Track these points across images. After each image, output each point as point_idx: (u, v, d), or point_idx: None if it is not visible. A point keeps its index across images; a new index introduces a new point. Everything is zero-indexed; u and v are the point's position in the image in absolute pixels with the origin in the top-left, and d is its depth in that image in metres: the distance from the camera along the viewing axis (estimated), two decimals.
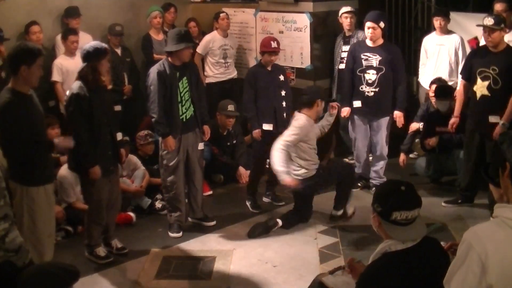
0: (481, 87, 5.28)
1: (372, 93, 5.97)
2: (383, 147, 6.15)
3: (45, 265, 3.09)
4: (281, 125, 5.79)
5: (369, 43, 5.98)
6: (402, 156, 6.33)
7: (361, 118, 6.11)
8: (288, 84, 6.14)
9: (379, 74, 5.92)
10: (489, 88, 5.24)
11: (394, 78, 5.96)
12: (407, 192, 2.62)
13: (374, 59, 5.93)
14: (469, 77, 5.45)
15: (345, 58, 6.87)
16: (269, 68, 5.82)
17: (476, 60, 5.37)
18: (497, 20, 5.14)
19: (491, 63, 5.20)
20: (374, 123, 6.08)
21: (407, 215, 2.57)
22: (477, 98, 5.33)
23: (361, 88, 6.00)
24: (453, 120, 5.72)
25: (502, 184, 2.04)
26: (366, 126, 6.13)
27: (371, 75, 5.95)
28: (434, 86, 6.27)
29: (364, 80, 5.98)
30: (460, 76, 5.83)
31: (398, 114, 6.02)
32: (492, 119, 5.25)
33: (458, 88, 5.88)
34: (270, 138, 5.70)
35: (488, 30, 5.15)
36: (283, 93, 5.85)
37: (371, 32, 5.86)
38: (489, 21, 5.14)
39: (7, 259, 3.29)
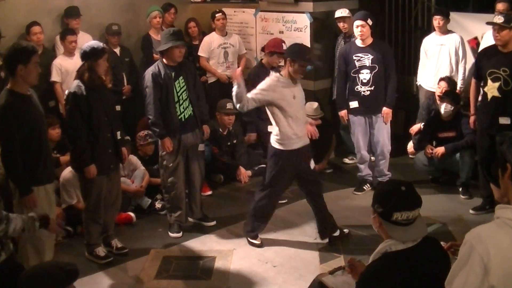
0: (491, 89, 5.24)
1: (368, 92, 5.99)
2: (384, 145, 6.15)
3: (44, 265, 3.10)
4: None
5: (359, 43, 6.00)
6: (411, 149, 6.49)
7: (360, 118, 6.12)
8: None
9: (373, 72, 5.95)
10: (499, 89, 5.19)
11: (385, 75, 5.99)
12: (407, 192, 2.61)
13: (367, 59, 5.95)
14: (480, 77, 5.43)
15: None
16: (271, 69, 5.78)
17: (485, 61, 5.33)
18: (508, 18, 5.08)
19: (502, 65, 5.15)
20: (373, 121, 6.09)
21: (408, 215, 2.56)
22: (488, 100, 5.31)
23: (357, 88, 6.02)
24: (472, 119, 5.68)
25: (502, 185, 2.03)
26: (366, 125, 6.14)
27: (365, 75, 5.97)
28: (443, 83, 6.26)
29: (359, 80, 6.00)
30: (472, 76, 5.79)
31: (386, 111, 6.03)
32: (502, 120, 5.22)
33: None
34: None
35: (497, 28, 5.11)
36: None
37: (360, 30, 5.88)
38: (499, 19, 5.10)
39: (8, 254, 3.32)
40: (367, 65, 5.96)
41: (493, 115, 5.27)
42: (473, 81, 5.62)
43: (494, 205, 5.89)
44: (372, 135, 6.17)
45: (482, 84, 5.42)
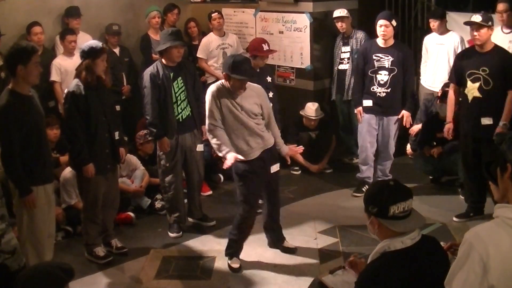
0: (472, 89, 5.14)
1: (384, 94, 5.91)
2: (391, 147, 6.11)
3: (41, 265, 3.10)
4: None
5: (380, 43, 5.91)
6: (409, 150, 6.45)
7: (370, 116, 6.04)
8: (275, 84, 6.11)
9: (391, 75, 5.86)
10: (480, 89, 5.10)
11: (404, 78, 5.92)
12: (396, 186, 2.67)
13: (386, 60, 5.87)
14: (459, 81, 5.32)
15: (344, 59, 6.90)
16: (257, 70, 5.68)
17: (465, 62, 5.24)
18: (485, 17, 5.04)
19: (481, 64, 5.07)
20: (384, 122, 6.03)
21: (404, 207, 2.60)
22: (469, 101, 5.19)
23: (373, 88, 5.94)
24: (448, 126, 5.56)
25: (501, 185, 2.03)
26: (376, 125, 6.06)
27: (383, 76, 5.89)
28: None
29: (376, 80, 5.91)
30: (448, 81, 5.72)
31: (406, 114, 5.98)
32: (485, 121, 5.12)
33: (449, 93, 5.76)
34: None
35: (475, 27, 5.04)
36: (270, 94, 5.64)
37: (383, 30, 5.79)
38: (477, 17, 5.05)
39: (2, 261, 3.30)
40: (386, 66, 5.87)
41: (476, 116, 5.15)
42: (451, 86, 5.49)
43: (479, 213, 5.72)
44: (382, 135, 6.10)
45: (462, 88, 5.31)
